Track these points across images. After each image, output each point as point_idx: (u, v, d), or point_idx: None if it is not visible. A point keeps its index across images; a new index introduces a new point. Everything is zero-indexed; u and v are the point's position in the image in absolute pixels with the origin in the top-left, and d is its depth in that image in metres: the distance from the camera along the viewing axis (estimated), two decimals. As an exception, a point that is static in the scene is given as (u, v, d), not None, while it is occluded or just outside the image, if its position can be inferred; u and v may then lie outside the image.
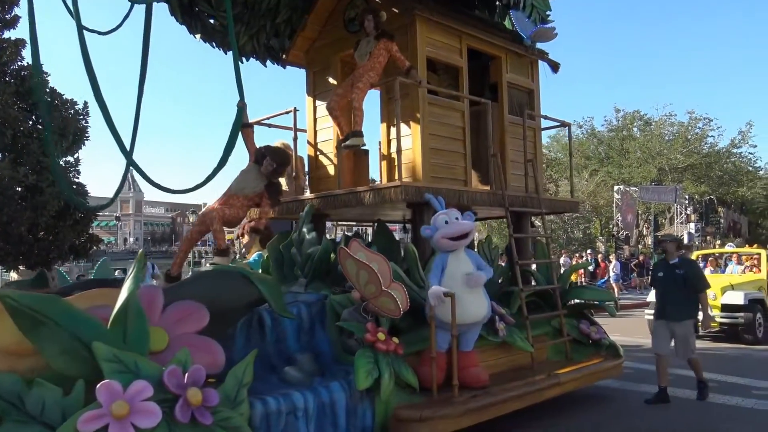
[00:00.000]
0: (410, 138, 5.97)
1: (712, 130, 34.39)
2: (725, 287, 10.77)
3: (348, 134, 6.18)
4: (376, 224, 6.49)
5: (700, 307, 6.40)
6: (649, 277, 7.54)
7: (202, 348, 3.69)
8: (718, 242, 30.87)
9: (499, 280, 6.63)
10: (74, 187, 9.61)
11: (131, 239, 69.98)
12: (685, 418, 5.86)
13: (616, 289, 18.38)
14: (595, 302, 7.05)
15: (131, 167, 5.52)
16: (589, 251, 23.54)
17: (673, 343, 6.43)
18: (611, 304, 6.94)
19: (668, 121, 34.93)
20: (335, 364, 4.75)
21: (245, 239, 7.16)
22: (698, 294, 6.34)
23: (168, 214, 75.25)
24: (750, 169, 36.72)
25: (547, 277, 6.68)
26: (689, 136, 34.12)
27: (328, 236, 7.02)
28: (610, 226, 30.98)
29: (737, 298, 10.37)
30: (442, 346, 4.96)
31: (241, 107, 5.37)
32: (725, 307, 10.43)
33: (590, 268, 20.14)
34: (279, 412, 3.88)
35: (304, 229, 5.82)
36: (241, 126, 5.41)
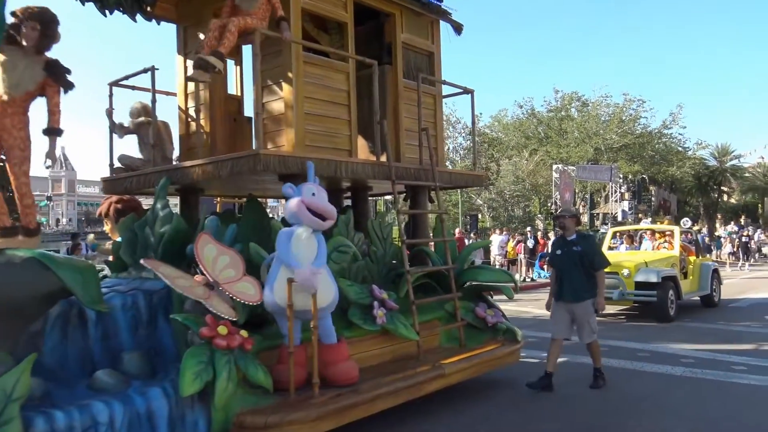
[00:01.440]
0: (282, 101, 5.22)
1: (645, 111, 35.18)
2: (639, 264, 10.52)
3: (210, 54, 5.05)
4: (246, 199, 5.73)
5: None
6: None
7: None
8: (650, 219, 31.66)
9: (393, 261, 6.02)
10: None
11: (64, 220, 66.71)
12: (606, 392, 5.82)
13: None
14: (493, 284, 6.49)
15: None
16: (528, 228, 23.60)
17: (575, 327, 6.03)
18: (510, 285, 6.37)
19: (604, 103, 35.40)
20: (178, 363, 4.03)
21: (109, 226, 6.29)
22: (595, 272, 5.90)
23: (104, 195, 71.91)
24: (680, 149, 37.82)
25: (445, 257, 6.09)
26: (624, 117, 34.70)
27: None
28: (549, 204, 31.26)
29: (651, 275, 10.14)
30: (297, 339, 4.33)
31: None
32: (639, 285, 10.21)
33: (530, 244, 20.14)
34: (71, 428, 3.14)
35: (158, 205, 5.02)
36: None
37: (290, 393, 4.08)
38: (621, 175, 32.76)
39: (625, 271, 10.33)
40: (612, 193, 32.91)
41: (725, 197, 48.00)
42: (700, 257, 12.50)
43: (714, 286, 12.00)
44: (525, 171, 32.31)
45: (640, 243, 13.14)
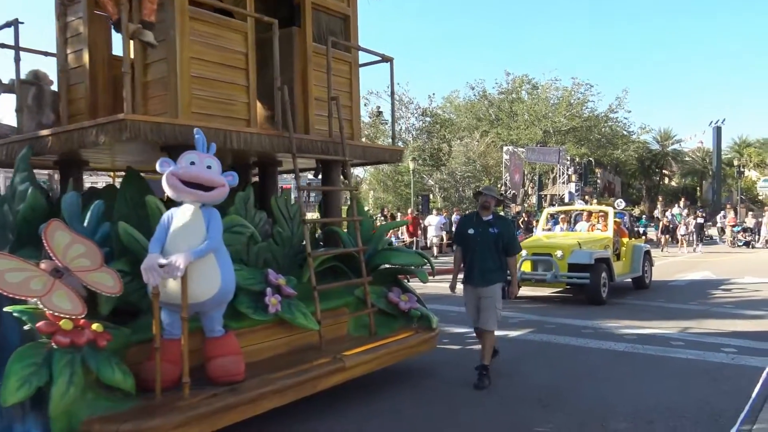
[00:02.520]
0: (164, 63, 4.57)
1: (592, 95, 35.67)
2: (572, 246, 10.29)
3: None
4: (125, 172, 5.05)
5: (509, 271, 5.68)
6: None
7: None
8: (595, 201, 32.18)
9: (302, 243, 5.50)
10: None
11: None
12: (551, 368, 5.76)
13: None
14: (407, 267, 6.00)
15: None
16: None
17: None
18: (424, 268, 5.96)
19: (554, 86, 35.69)
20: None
21: None
22: (509, 257, 5.55)
23: None
24: (624, 133, 38.57)
25: (357, 238, 5.58)
26: (572, 101, 35.05)
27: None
28: (499, 185, 31.35)
29: (584, 257, 9.91)
30: (173, 332, 3.80)
31: None
32: (572, 267, 9.97)
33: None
34: None
35: (17, 179, 4.35)
36: None
37: (156, 395, 3.55)
38: (568, 158, 33.17)
39: (559, 253, 10.11)
40: (560, 175, 33.30)
41: (666, 180, 49.52)
42: (633, 239, 12.37)
43: (646, 268, 11.88)
44: (476, 152, 32.28)
45: (575, 224, 12.96)
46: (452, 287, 5.76)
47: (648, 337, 7.41)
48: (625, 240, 11.82)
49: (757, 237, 23.63)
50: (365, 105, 34.80)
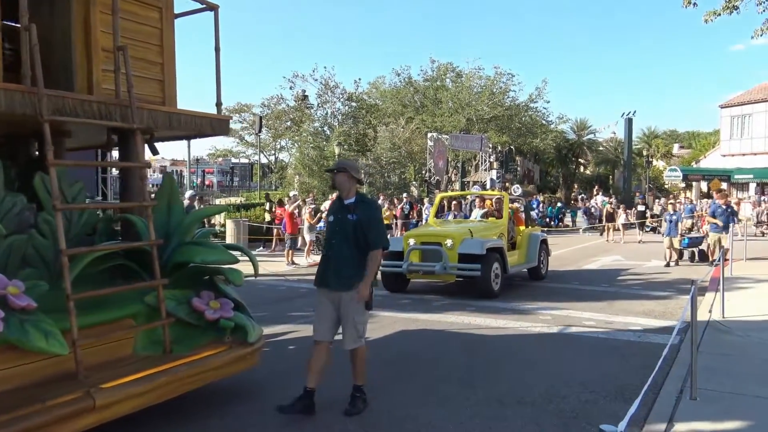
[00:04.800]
0: None
1: (514, 85, 36.72)
2: (464, 235, 9.49)
3: None
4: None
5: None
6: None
7: None
8: (517, 186, 33.28)
9: (90, 235, 4.49)
10: None
11: None
12: (469, 352, 5.47)
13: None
14: (215, 265, 4.70)
15: None
16: (404, 195, 23.76)
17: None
18: (234, 268, 4.72)
19: (477, 75, 36.45)
20: None
21: None
22: (370, 251, 4.28)
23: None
24: (543, 122, 40.10)
25: (156, 228, 4.39)
26: (494, 90, 35.96)
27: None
28: (423, 171, 31.72)
29: (475, 247, 9.16)
30: None
31: None
32: (462, 257, 9.16)
33: (405, 210, 20.15)
34: None
35: None
36: None
37: None
38: (490, 145, 34.02)
39: (449, 242, 9.30)
40: (482, 162, 34.13)
41: (582, 168, 52.02)
42: (530, 227, 11.78)
43: (542, 258, 11.20)
44: (401, 138, 32.46)
45: (470, 211, 12.05)
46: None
47: (563, 318, 7.75)
48: (522, 228, 11.22)
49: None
50: (291, 88, 34.29)
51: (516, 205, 11.93)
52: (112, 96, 4.41)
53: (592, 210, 24.93)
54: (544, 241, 11.37)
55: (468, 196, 14.16)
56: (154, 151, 5.12)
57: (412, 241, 9.64)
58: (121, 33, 4.48)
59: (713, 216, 12.44)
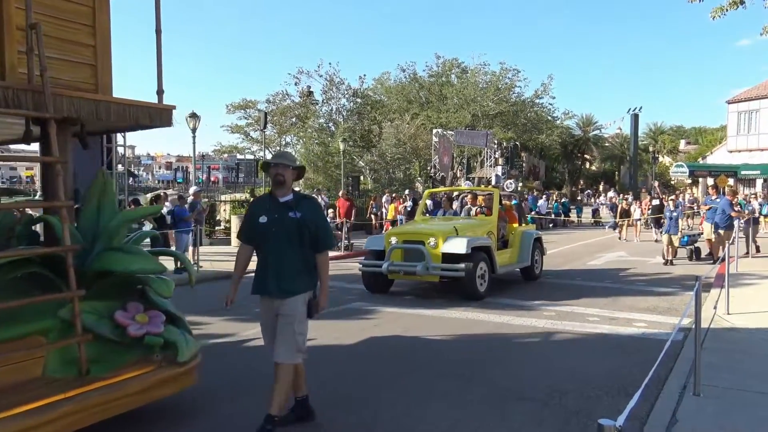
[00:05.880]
0: None
1: (519, 80, 36.64)
2: (449, 233, 8.92)
3: None
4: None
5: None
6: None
7: None
8: (521, 184, 33.23)
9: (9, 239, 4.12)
10: None
11: None
12: (474, 343, 5.37)
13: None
14: (140, 274, 4.15)
15: None
16: (407, 191, 23.74)
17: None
18: (163, 278, 4.26)
19: (482, 70, 36.37)
20: None
21: None
22: (319, 253, 3.86)
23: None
24: (549, 118, 40.05)
25: (85, 231, 4.07)
26: (500, 86, 35.86)
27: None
28: (428, 168, 31.70)
29: (459, 245, 8.58)
30: None
31: None
32: (446, 257, 8.64)
33: (408, 207, 19.93)
34: None
35: None
36: None
37: None
38: (496, 141, 33.96)
39: (432, 241, 8.75)
40: (487, 159, 34.06)
41: (587, 164, 51.86)
42: (524, 224, 11.21)
43: (536, 257, 10.62)
44: (406, 134, 32.41)
45: (461, 207, 11.57)
46: (228, 301, 3.91)
47: (566, 314, 7.72)
48: (515, 226, 10.71)
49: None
50: (296, 84, 34.25)
51: (508, 201, 11.53)
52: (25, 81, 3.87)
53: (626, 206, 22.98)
54: (538, 240, 10.82)
55: (455, 192, 13.59)
56: (85, 145, 4.68)
57: (393, 240, 9.13)
58: (44, 11, 4.05)
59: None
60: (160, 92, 4.94)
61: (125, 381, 3.71)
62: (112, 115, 4.39)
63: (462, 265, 8.41)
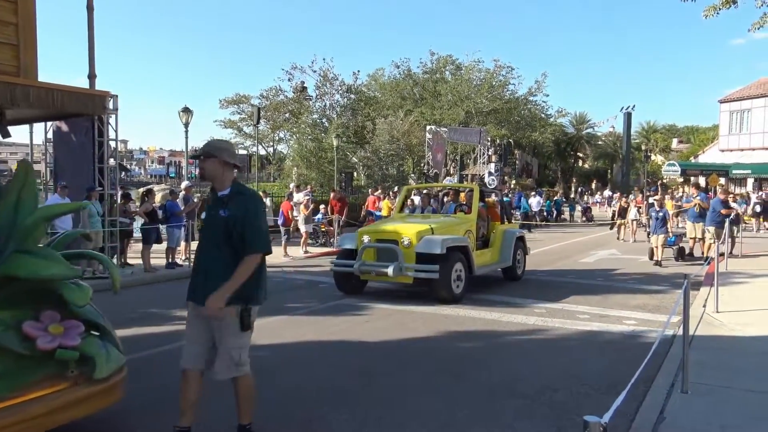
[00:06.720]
0: None
1: (513, 78, 36.64)
2: (424, 232, 8.46)
3: None
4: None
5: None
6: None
7: None
8: (513, 182, 33.31)
9: None
10: None
11: None
12: (463, 342, 5.39)
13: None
14: (50, 280, 3.59)
15: None
16: (396, 188, 23.69)
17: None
18: (79, 284, 3.68)
19: (476, 67, 36.36)
20: None
21: None
22: (246, 255, 3.33)
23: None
24: (542, 116, 40.11)
25: (1, 230, 3.55)
26: (494, 83, 35.87)
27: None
28: (422, 164, 31.72)
29: (433, 246, 8.15)
30: None
31: None
32: (420, 257, 8.19)
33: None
34: None
35: None
36: None
37: None
38: (489, 139, 34.00)
39: (405, 240, 8.32)
40: (480, 156, 34.11)
41: (580, 162, 52.07)
42: (506, 223, 10.75)
43: (518, 257, 10.28)
44: (400, 131, 32.38)
45: (443, 204, 11.17)
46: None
47: (557, 311, 7.76)
48: (497, 224, 10.32)
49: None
50: (289, 80, 34.13)
51: (491, 198, 11.07)
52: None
53: (624, 204, 22.00)
54: (520, 239, 10.47)
55: (436, 189, 13.15)
56: (5, 134, 4.36)
57: (366, 238, 8.67)
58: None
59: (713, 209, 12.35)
60: (91, 77, 4.60)
61: (32, 401, 3.23)
62: (33, 99, 3.94)
63: (436, 266, 8.00)
